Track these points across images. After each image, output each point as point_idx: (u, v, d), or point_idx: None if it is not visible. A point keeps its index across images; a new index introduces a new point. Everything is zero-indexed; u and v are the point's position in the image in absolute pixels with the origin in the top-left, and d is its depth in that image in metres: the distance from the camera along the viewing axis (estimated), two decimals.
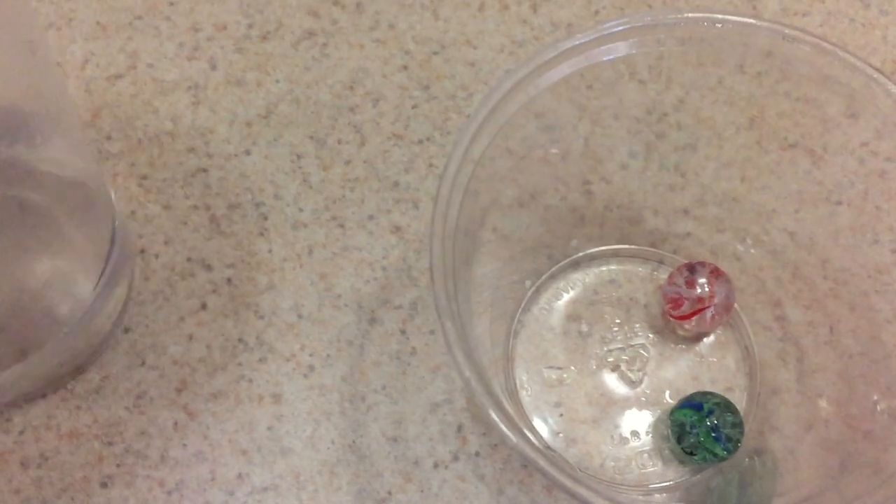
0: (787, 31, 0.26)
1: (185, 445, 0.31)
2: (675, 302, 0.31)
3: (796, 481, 0.30)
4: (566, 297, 0.33)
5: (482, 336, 0.29)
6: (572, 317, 0.33)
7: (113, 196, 0.30)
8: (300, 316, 0.33)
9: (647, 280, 0.34)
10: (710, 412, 0.29)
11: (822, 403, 0.31)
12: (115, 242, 0.29)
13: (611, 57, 0.27)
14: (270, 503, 0.30)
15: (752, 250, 0.34)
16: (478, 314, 0.28)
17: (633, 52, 0.29)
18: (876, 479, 0.26)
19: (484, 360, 0.29)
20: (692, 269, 0.31)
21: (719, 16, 0.27)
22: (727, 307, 0.31)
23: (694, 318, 0.31)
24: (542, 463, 0.21)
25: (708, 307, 0.31)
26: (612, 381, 0.32)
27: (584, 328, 0.33)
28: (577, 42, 0.26)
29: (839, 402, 0.31)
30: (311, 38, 0.38)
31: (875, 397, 0.30)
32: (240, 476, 0.30)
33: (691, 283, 0.31)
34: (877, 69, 0.26)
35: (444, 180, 0.24)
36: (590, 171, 0.35)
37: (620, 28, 0.26)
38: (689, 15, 0.27)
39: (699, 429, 0.29)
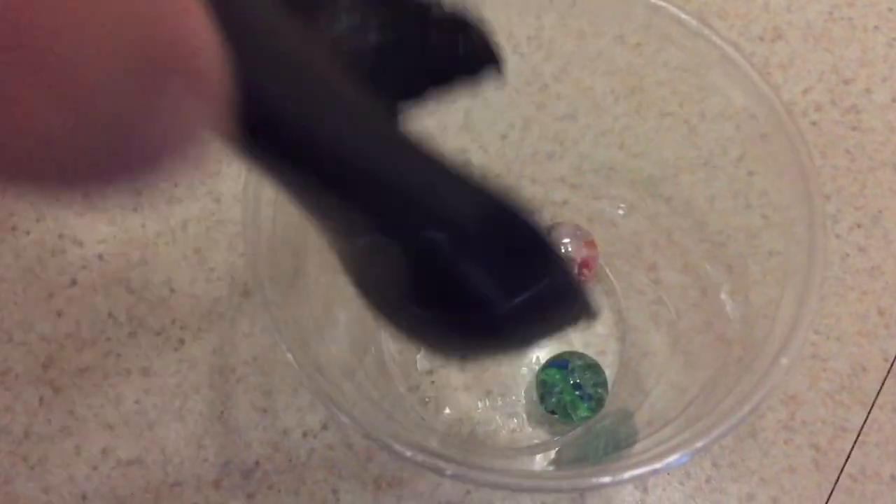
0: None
1: (49, 421, 0.30)
2: None
3: (658, 432, 0.30)
4: None
5: (338, 312, 0.29)
6: None
7: None
8: (172, 290, 0.33)
9: None
10: (573, 371, 0.29)
11: (690, 363, 0.31)
12: None
13: None
14: (135, 476, 0.30)
15: (629, 216, 0.34)
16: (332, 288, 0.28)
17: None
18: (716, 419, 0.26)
19: (344, 333, 0.29)
20: (551, 228, 0.31)
21: None
22: (588, 265, 0.31)
23: None
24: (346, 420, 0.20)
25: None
26: None
27: None
28: None
29: (709, 360, 0.31)
30: None
31: (738, 354, 0.30)
32: (105, 451, 0.30)
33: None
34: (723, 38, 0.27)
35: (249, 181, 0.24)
36: (469, 142, 0.35)
37: None
38: None
39: (563, 387, 0.29)
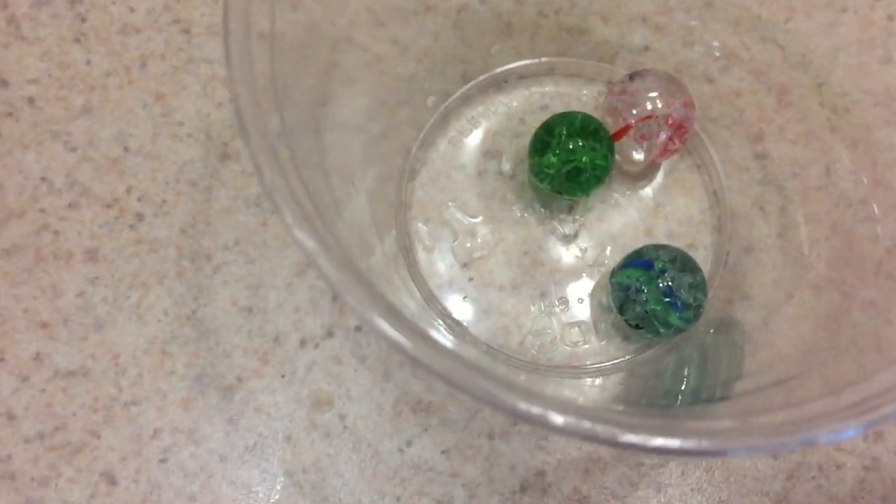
0: None
1: None
2: (614, 116, 0.23)
3: (769, 360, 0.23)
4: (483, 126, 0.25)
5: (357, 175, 0.21)
6: (491, 152, 0.25)
7: None
8: (127, 149, 0.25)
9: (589, 106, 0.26)
10: (663, 271, 0.22)
11: (810, 263, 0.24)
12: None
13: None
14: (78, 391, 0.23)
15: (728, 70, 0.26)
16: (343, 148, 0.20)
17: None
18: (875, 361, 0.20)
19: (360, 205, 0.22)
20: (635, 75, 0.23)
21: None
22: (682, 130, 0.23)
23: (631, 133, 0.23)
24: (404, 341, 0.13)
25: (652, 117, 0.23)
26: (539, 234, 0.24)
27: (506, 167, 0.25)
28: None
29: (832, 262, 0.24)
30: None
31: (878, 257, 0.23)
32: (38, 356, 0.23)
33: (634, 92, 0.23)
34: None
35: None
36: None
37: None
38: None
39: (648, 294, 0.22)
